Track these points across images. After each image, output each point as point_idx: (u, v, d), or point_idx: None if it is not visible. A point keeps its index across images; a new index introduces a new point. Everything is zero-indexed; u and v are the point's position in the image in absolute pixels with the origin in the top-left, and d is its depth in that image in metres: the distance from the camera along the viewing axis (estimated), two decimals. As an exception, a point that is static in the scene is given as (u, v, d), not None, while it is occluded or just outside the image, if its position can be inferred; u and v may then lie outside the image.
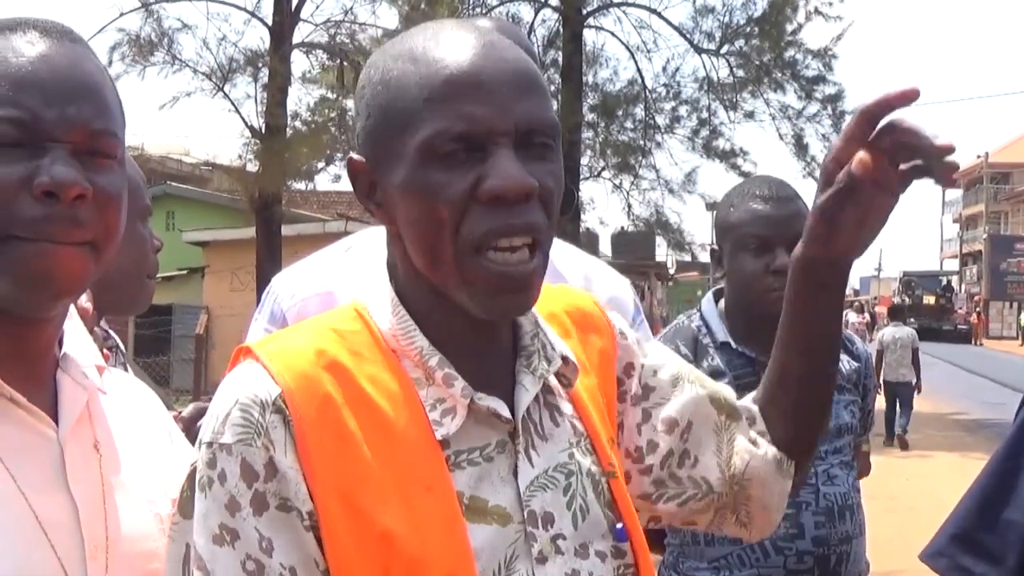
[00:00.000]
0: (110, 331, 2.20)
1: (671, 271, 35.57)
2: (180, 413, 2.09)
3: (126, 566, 1.23)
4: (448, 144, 1.14)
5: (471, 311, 1.18)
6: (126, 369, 2.07)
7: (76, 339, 1.33)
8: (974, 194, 73.98)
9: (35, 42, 1.20)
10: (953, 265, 77.29)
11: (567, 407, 1.30)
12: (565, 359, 1.27)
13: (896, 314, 17.45)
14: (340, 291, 1.83)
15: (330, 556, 1.10)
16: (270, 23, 15.65)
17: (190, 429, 2.07)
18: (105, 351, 1.84)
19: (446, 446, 1.17)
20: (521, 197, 1.14)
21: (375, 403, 1.16)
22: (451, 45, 1.18)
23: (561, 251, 1.97)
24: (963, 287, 64.10)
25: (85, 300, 1.88)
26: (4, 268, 1.16)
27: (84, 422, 1.27)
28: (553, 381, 1.29)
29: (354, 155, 1.24)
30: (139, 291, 2.14)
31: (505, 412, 1.20)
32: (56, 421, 1.24)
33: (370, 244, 1.90)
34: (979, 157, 69.01)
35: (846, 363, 2.76)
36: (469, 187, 1.14)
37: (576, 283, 1.92)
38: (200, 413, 2.09)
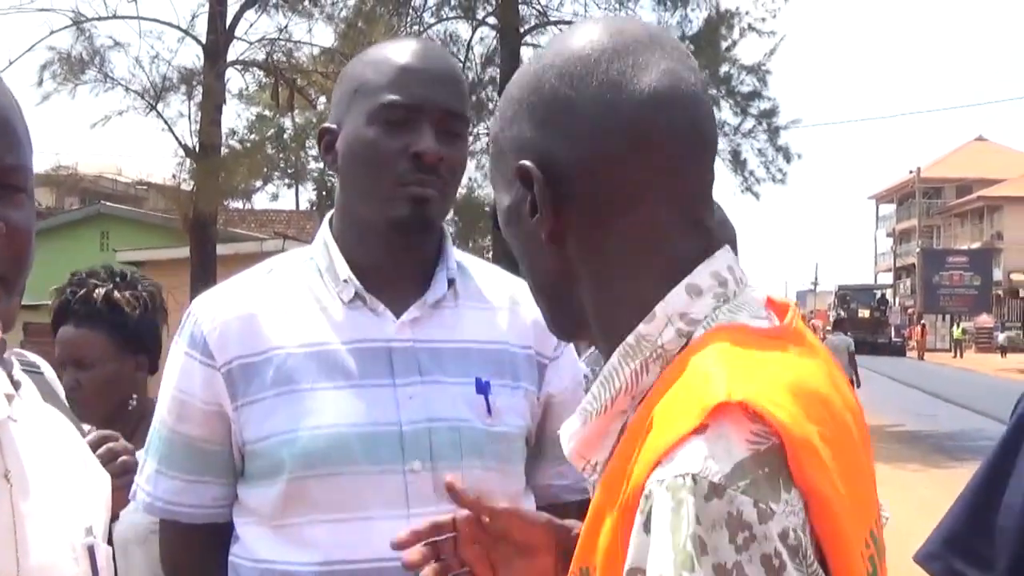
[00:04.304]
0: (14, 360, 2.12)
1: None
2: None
3: None
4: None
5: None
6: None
7: None
8: (907, 209, 75.22)
9: None
10: (887, 279, 78.47)
11: None
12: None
13: (837, 325, 20.46)
14: (262, 313, 1.79)
15: None
16: (204, 41, 15.51)
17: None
18: None
19: None
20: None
21: None
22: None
23: (487, 273, 1.95)
24: (897, 300, 65.11)
25: None
26: None
27: None
28: None
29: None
30: None
31: None
32: None
33: (292, 266, 1.87)
34: (911, 172, 70.15)
35: None
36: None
37: (502, 304, 1.90)
38: (103, 440, 2.01)
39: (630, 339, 1.06)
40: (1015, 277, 60.81)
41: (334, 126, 1.83)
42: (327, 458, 1.70)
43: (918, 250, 63.03)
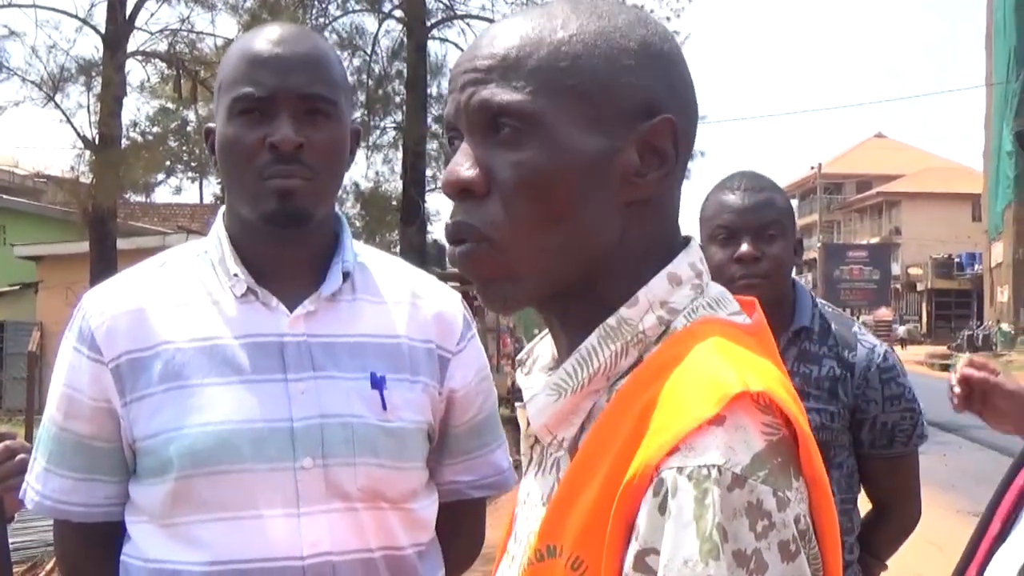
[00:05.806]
0: None
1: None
2: None
3: None
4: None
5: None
6: None
7: None
8: (808, 204, 76.50)
9: None
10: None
11: None
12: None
13: None
14: (153, 308, 1.75)
15: None
16: (103, 31, 15.21)
17: None
18: None
19: None
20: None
21: None
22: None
23: (386, 265, 1.91)
24: (800, 294, 66.08)
25: None
26: None
27: None
28: None
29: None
30: None
31: None
32: None
33: (185, 260, 1.83)
34: (812, 168, 71.34)
35: (825, 367, 2.60)
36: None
37: (402, 298, 1.87)
38: None
39: (611, 321, 1.06)
40: (913, 271, 62.33)
41: (213, 124, 1.81)
42: (214, 456, 1.67)
43: (819, 245, 64.06)
